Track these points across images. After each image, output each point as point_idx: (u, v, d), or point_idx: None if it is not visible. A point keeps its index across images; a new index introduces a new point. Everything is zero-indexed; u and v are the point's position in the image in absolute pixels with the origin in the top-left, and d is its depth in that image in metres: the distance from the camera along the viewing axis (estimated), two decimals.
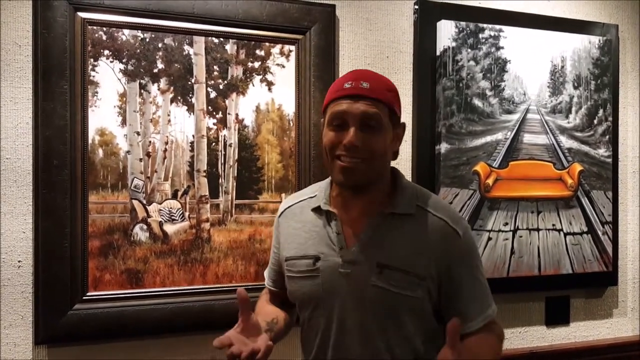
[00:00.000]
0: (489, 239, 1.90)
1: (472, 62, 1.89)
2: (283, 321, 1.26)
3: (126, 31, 1.59)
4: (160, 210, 1.62)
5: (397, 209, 1.15)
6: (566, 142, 2.02)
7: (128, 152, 1.60)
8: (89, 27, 1.55)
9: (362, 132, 1.10)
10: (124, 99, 1.59)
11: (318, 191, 1.24)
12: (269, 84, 1.74)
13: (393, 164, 1.21)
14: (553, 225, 1.99)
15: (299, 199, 1.28)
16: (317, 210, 1.21)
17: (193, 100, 1.66)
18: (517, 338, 2.05)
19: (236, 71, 1.70)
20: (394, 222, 1.15)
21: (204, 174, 1.67)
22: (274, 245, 1.33)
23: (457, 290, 1.14)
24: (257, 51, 1.72)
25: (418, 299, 1.12)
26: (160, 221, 1.62)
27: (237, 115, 1.71)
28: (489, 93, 1.91)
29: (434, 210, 1.16)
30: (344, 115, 1.10)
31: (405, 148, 1.87)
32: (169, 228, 1.63)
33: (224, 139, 1.69)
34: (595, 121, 2.06)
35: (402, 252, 1.13)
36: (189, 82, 1.65)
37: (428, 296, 1.13)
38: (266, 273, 1.39)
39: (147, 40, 1.61)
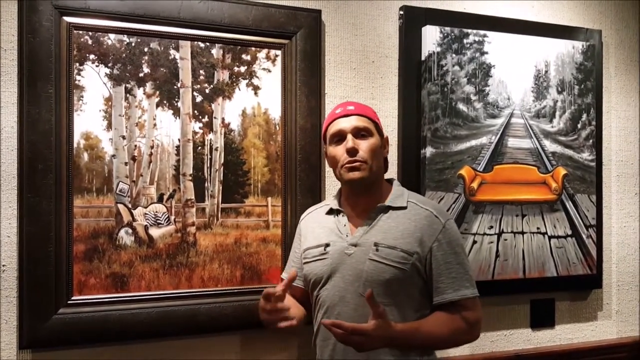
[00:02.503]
0: (474, 242, 1.92)
1: (456, 67, 1.90)
2: (295, 308, 1.51)
3: (112, 35, 1.59)
4: (146, 214, 1.63)
5: (392, 203, 1.44)
6: (550, 146, 2.04)
7: (113, 156, 1.60)
8: (75, 31, 1.55)
9: (357, 139, 1.41)
10: (110, 103, 1.59)
11: (329, 201, 1.56)
12: (255, 89, 1.75)
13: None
14: (538, 228, 2.01)
15: (316, 207, 1.60)
16: (330, 211, 1.51)
17: (179, 104, 1.66)
18: (502, 341, 2.06)
19: (222, 75, 1.71)
20: (389, 214, 1.43)
21: (190, 178, 1.68)
22: (294, 246, 1.62)
23: (437, 269, 1.39)
24: (243, 56, 1.73)
25: (407, 271, 1.37)
26: (146, 225, 1.62)
27: (223, 119, 1.71)
28: (473, 98, 1.93)
29: (422, 204, 1.46)
30: (341, 132, 1.43)
31: (391, 152, 1.88)
32: (155, 232, 1.63)
33: (210, 143, 1.70)
34: (579, 125, 2.08)
35: (394, 234, 1.40)
36: (175, 87, 1.66)
37: (416, 270, 1.38)
38: (284, 273, 1.64)
39: (133, 44, 1.61)
